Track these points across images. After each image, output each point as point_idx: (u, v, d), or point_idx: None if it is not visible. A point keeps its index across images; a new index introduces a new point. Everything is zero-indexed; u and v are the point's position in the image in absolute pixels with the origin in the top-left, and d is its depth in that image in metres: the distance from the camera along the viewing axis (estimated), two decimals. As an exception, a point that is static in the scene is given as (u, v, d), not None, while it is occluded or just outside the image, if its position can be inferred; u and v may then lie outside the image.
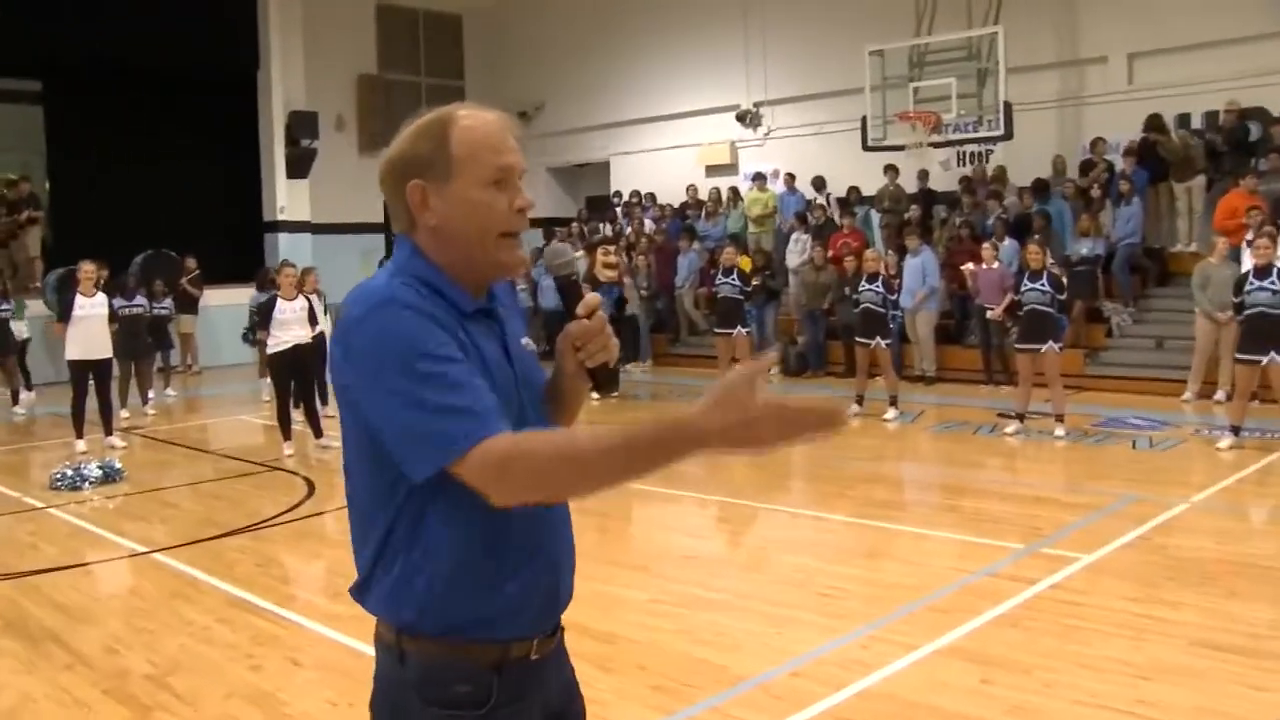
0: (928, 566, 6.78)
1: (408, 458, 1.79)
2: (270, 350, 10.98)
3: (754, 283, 14.76)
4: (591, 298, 2.07)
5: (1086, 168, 16.32)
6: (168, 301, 16.99)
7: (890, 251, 15.40)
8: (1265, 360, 9.90)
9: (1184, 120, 16.08)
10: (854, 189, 18.43)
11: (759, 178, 19.61)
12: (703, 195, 20.78)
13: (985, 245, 14.20)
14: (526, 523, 1.92)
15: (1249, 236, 11.92)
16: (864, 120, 17.33)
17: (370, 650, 2.04)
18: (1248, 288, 10.05)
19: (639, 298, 18.18)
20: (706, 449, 1.64)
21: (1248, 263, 10.76)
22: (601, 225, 21.44)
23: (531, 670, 1.98)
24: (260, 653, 5.49)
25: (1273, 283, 9.89)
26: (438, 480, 1.79)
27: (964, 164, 18.13)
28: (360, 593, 1.98)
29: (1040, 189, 16.02)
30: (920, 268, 14.97)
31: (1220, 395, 12.25)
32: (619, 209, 22.23)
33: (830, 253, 16.63)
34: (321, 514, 8.61)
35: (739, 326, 13.56)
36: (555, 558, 2.01)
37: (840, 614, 5.85)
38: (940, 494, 9.24)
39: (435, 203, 1.92)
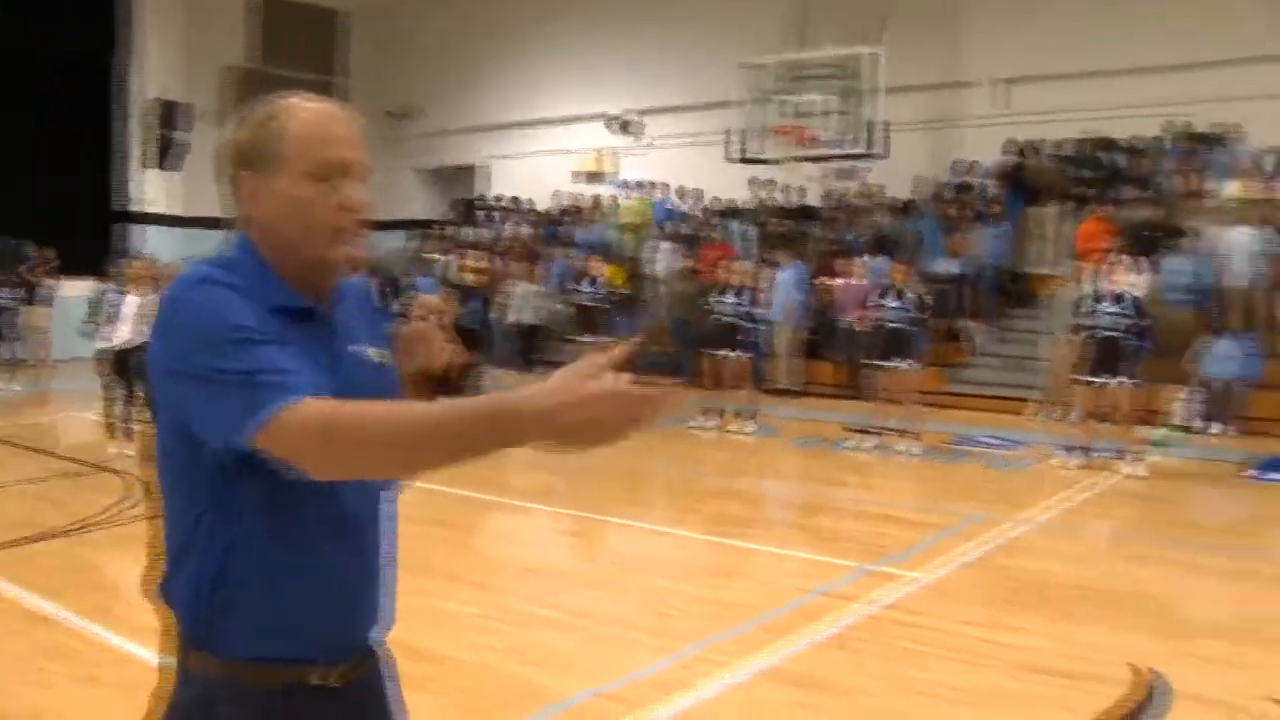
0: (768, 585, 6.66)
1: (215, 429, 1.68)
2: (108, 346, 10.51)
3: (621, 291, 14.65)
4: (428, 299, 1.99)
5: (957, 189, 16.51)
6: (7, 291, 16.30)
7: (759, 264, 15.40)
8: (1108, 382, 10.05)
9: (1054, 147, 16.38)
10: (728, 201, 18.45)
11: (635, 186, 19.55)
12: (579, 202, 20.62)
13: (853, 261, 14.25)
14: (326, 539, 1.82)
15: (1106, 261, 12.12)
16: (739, 133, 17.34)
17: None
18: (1093, 310, 10.23)
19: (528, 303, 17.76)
20: (544, 432, 1.54)
21: (1103, 287, 10.92)
22: (473, 229, 21.19)
23: (325, 699, 1.86)
24: (53, 668, 5.14)
25: (1119, 307, 10.07)
26: (243, 470, 1.70)
27: (838, 181, 18.20)
28: (163, 591, 1.87)
29: (909, 208, 16.18)
30: (788, 282, 15.00)
31: (1073, 416, 12.40)
32: (493, 213, 21.97)
33: (700, 264, 16.58)
34: (152, 519, 8.20)
35: (601, 334, 13.40)
36: (357, 577, 1.90)
37: (672, 633, 5.68)
38: (791, 510, 9.19)
39: (264, 195, 1.81)
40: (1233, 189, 14.46)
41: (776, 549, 7.61)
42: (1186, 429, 12.28)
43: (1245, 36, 14.85)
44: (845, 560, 7.09)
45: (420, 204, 24.41)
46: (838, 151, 17.07)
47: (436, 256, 18.95)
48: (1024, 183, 16.06)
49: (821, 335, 15.71)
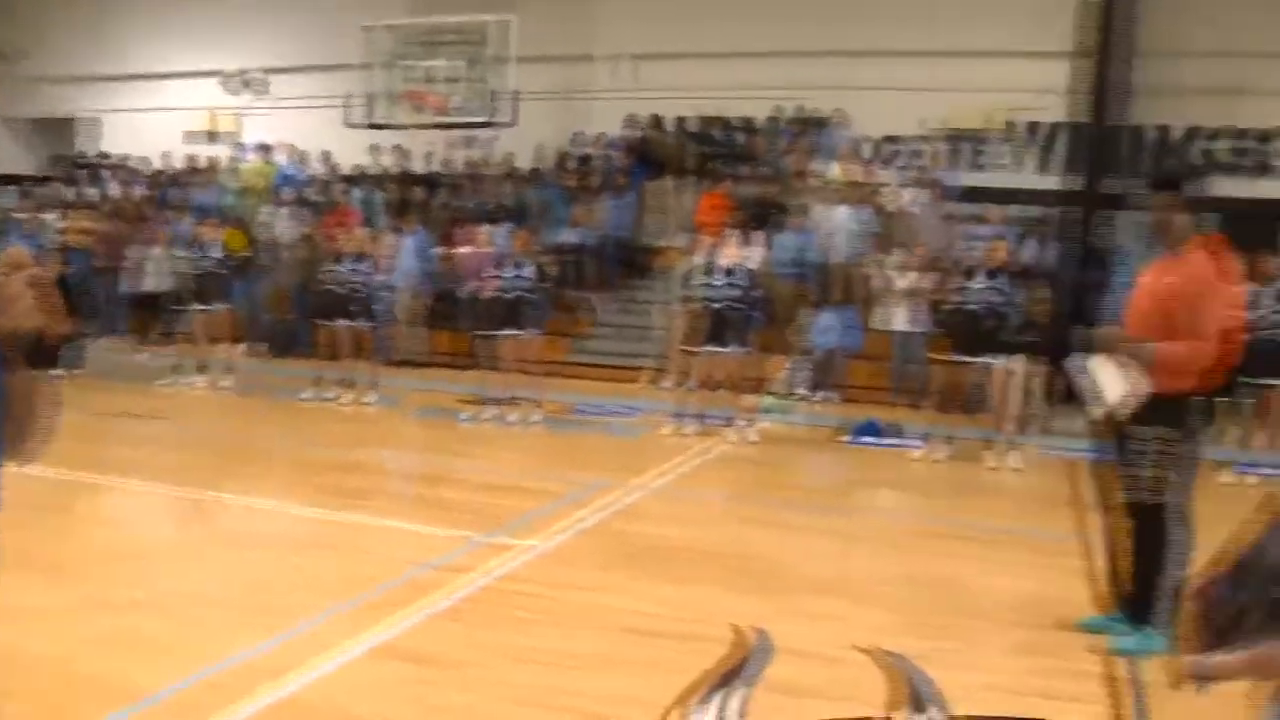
0: (383, 558, 6.45)
1: None
2: None
3: (240, 257, 13.96)
4: (13, 252, 1.74)
5: (580, 160, 16.75)
6: None
7: (382, 231, 15.08)
8: (719, 351, 10.45)
9: (677, 123, 16.92)
10: (354, 166, 17.99)
11: (255, 148, 18.69)
12: (195, 163, 19.51)
13: (477, 229, 14.18)
14: None
15: (720, 235, 12.58)
16: (365, 97, 16.94)
17: None
18: (706, 282, 10.61)
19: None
20: None
21: (716, 259, 11.31)
22: (76, 187, 19.65)
23: None
24: None
25: (731, 279, 10.47)
26: None
27: (464, 148, 18.08)
28: None
29: (536, 177, 16.27)
30: (411, 249, 14.76)
31: (688, 384, 12.82)
32: (100, 171, 20.43)
33: (321, 230, 16.05)
34: None
35: (217, 302, 12.70)
36: None
37: (280, 612, 5.39)
38: (409, 482, 9.06)
39: None
40: (835, 171, 15.36)
41: (393, 522, 7.40)
42: (793, 396, 12.92)
43: (852, 30, 15.90)
44: (462, 531, 6.99)
45: (11, 157, 22.36)
46: (465, 119, 16.97)
47: (29, 215, 17.37)
48: (647, 156, 16.48)
49: (445, 304, 15.55)
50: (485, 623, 5.29)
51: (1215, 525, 5.50)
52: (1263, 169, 15.40)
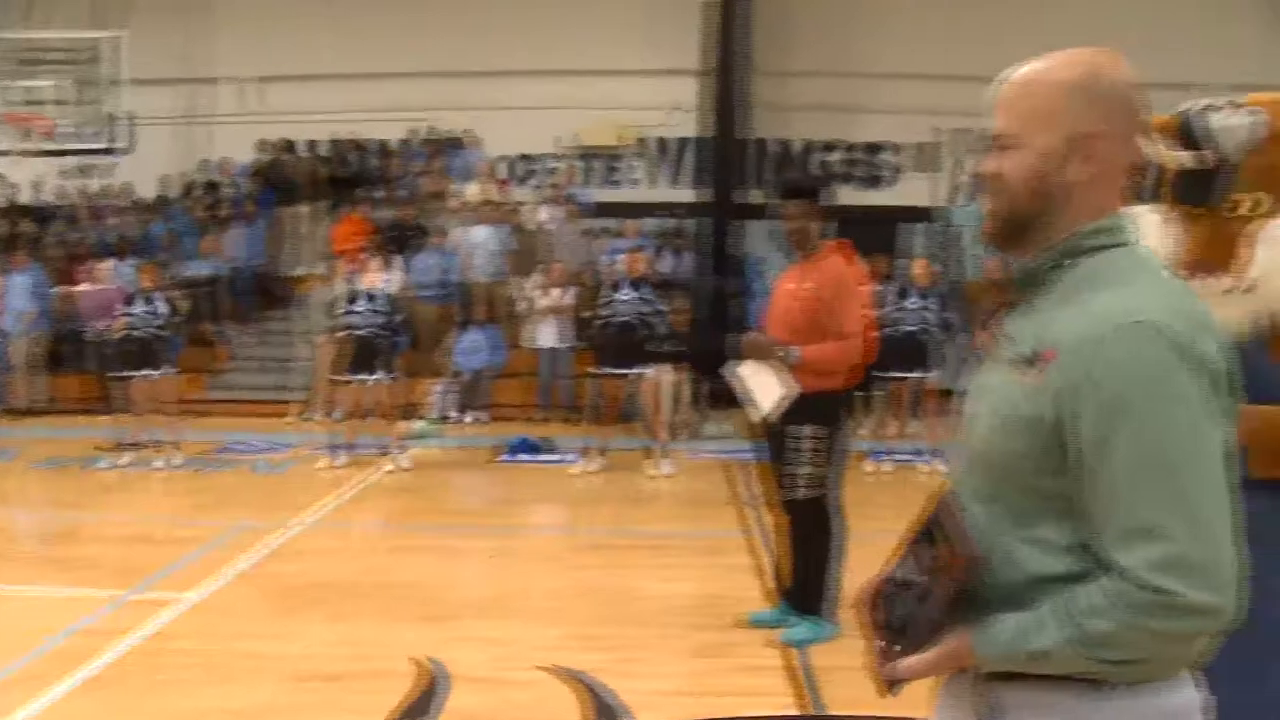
0: (13, 631, 5.85)
1: None
2: None
3: None
4: None
5: (207, 188, 16.13)
6: None
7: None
8: (366, 379, 10.31)
9: (308, 147, 16.55)
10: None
11: None
12: None
13: (100, 264, 13.40)
14: None
15: (359, 260, 12.40)
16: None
17: None
18: (341, 309, 10.55)
19: None
20: None
21: (356, 285, 11.15)
22: None
23: None
24: None
25: (372, 305, 10.35)
26: None
27: (79, 177, 17.01)
28: None
29: (162, 206, 15.56)
30: (22, 288, 13.75)
31: (335, 415, 12.54)
32: None
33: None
34: None
35: None
36: None
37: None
38: (36, 542, 8.38)
39: None
40: (473, 190, 15.44)
41: (24, 588, 6.80)
42: (444, 420, 12.86)
43: (483, 50, 16.05)
44: (106, 590, 6.50)
45: None
46: (77, 145, 15.97)
47: None
48: (278, 182, 16.05)
49: (66, 346, 14.57)
50: (139, 689, 4.93)
51: (863, 511, 5.94)
52: (873, 179, 16.75)
